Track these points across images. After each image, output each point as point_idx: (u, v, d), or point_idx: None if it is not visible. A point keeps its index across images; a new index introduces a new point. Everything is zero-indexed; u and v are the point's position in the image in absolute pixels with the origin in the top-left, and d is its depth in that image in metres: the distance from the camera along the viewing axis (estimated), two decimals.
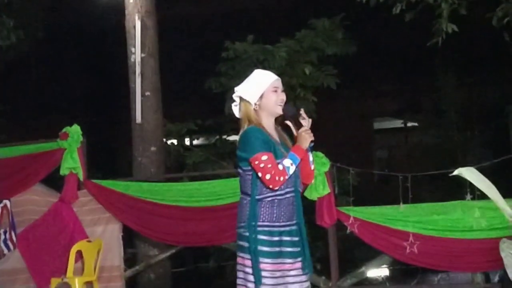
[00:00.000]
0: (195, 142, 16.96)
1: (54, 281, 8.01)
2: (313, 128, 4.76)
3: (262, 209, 4.66)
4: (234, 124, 12.45)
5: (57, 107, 18.56)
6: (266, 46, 11.08)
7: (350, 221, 7.52)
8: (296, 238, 4.75)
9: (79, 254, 8.11)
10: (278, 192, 4.65)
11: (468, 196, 7.16)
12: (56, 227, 8.42)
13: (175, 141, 12.53)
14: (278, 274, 4.66)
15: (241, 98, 4.86)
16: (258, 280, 4.59)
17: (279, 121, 4.86)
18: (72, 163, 8.29)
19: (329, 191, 7.48)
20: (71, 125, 8.40)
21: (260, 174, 4.59)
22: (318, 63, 11.32)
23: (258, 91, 4.77)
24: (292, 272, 4.71)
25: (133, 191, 8.37)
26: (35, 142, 8.80)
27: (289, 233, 4.72)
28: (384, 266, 10.66)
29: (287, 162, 4.62)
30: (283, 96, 4.81)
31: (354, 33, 11.75)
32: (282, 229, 4.69)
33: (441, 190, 12.28)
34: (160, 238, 8.62)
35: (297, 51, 11.20)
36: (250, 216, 4.65)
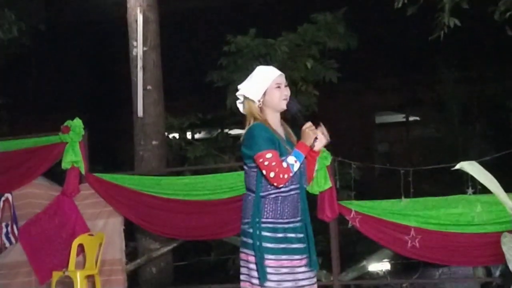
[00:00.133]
0: (196, 136, 16.96)
1: (56, 275, 8.02)
2: (314, 123, 4.76)
3: (266, 205, 4.66)
4: (235, 118, 12.49)
5: (59, 100, 18.57)
6: (267, 40, 11.07)
7: (352, 215, 7.52)
8: (301, 235, 4.75)
9: (81, 248, 8.12)
10: (282, 189, 4.66)
11: (470, 190, 7.16)
12: (57, 221, 8.43)
13: (176, 135, 12.53)
14: (284, 270, 4.65)
15: (244, 97, 4.84)
16: (263, 277, 4.60)
17: (284, 116, 4.87)
18: (74, 157, 8.30)
19: (330, 185, 7.48)
20: (72, 118, 8.40)
21: (264, 172, 4.60)
22: (320, 57, 11.31)
23: (261, 89, 4.77)
24: (301, 269, 4.72)
25: (134, 185, 8.38)
26: (37, 135, 8.81)
27: (293, 230, 4.72)
28: (386, 260, 10.65)
29: (291, 159, 4.62)
30: (286, 92, 4.81)
31: (356, 27, 11.74)
32: (286, 226, 4.69)
33: (442, 184, 12.26)
34: (161, 231, 8.63)
35: (299, 45, 11.20)
36: (254, 212, 4.66)
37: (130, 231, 9.07)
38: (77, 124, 8.36)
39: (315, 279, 4.82)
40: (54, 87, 19.10)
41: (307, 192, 4.96)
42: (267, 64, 10.50)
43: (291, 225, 4.71)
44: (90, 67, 18.77)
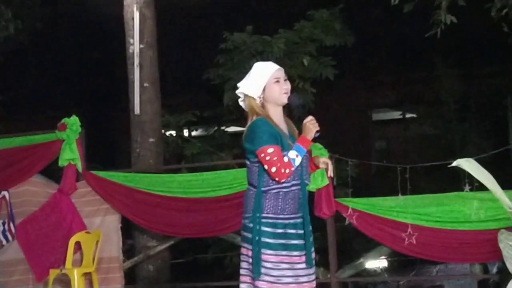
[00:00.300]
0: (193, 133, 16.94)
1: (53, 272, 8.02)
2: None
3: (267, 201, 4.68)
4: (232, 115, 12.50)
5: (56, 98, 18.54)
6: (264, 37, 11.06)
7: (349, 213, 7.53)
8: (301, 231, 4.77)
9: (78, 245, 8.13)
10: (284, 185, 4.67)
11: (467, 188, 7.16)
12: (54, 218, 8.43)
13: (173, 132, 12.52)
14: (284, 266, 4.66)
15: (245, 94, 4.85)
16: (257, 271, 4.61)
17: (286, 112, 4.88)
18: (71, 154, 8.30)
19: (327, 182, 7.49)
20: (69, 116, 8.40)
21: (266, 167, 4.61)
22: (317, 54, 11.30)
23: (260, 85, 4.78)
24: (301, 265, 4.73)
25: (131, 182, 8.38)
26: (34, 133, 8.81)
27: (293, 226, 4.73)
28: (383, 257, 10.66)
29: (292, 154, 4.63)
30: (286, 85, 4.82)
31: (353, 24, 11.73)
32: (286, 221, 4.70)
33: (439, 181, 12.28)
34: (158, 229, 8.63)
35: (296, 42, 11.19)
36: (255, 207, 4.67)
37: (127, 229, 9.06)
38: (74, 121, 8.36)
39: (314, 276, 4.84)
40: (51, 84, 19.06)
41: None
42: (263, 61, 10.52)
43: (291, 221, 4.72)
44: (87, 64, 18.74)
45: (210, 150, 12.08)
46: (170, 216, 8.24)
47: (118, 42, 11.05)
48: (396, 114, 18.98)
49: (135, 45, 9.82)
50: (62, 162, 8.34)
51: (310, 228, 4.86)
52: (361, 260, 8.58)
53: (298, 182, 4.73)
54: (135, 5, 9.85)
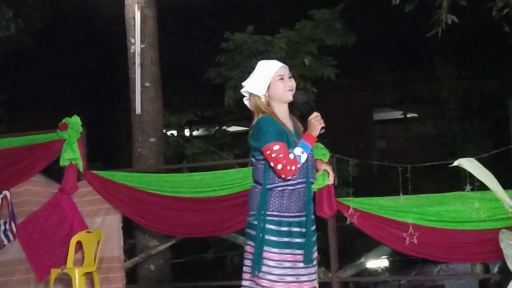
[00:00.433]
0: (194, 133, 16.95)
1: (54, 272, 8.02)
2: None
3: (272, 198, 4.68)
4: (233, 115, 12.50)
5: (57, 98, 18.56)
6: (266, 36, 11.05)
7: (350, 212, 7.52)
8: (305, 229, 4.76)
9: (79, 245, 8.12)
10: (289, 182, 4.68)
11: (468, 187, 7.16)
12: (56, 218, 8.43)
13: (174, 132, 12.53)
14: (287, 264, 4.67)
15: (250, 93, 4.85)
16: (257, 268, 4.61)
17: (294, 109, 4.89)
18: (72, 154, 8.30)
19: (328, 182, 7.47)
20: (70, 116, 8.40)
21: (272, 164, 4.62)
22: (318, 53, 11.30)
23: (264, 83, 4.79)
24: (302, 264, 4.73)
25: (132, 182, 8.38)
26: (35, 132, 8.80)
27: (298, 224, 4.73)
28: (384, 257, 10.66)
29: (298, 150, 4.64)
30: (291, 83, 4.83)
31: (354, 24, 11.73)
32: (291, 219, 4.70)
33: (440, 181, 12.29)
34: (159, 229, 8.62)
35: (297, 42, 11.18)
36: (260, 205, 4.68)
37: (128, 229, 9.06)
38: (75, 121, 8.35)
39: (315, 276, 4.83)
40: (52, 84, 19.08)
41: None
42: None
43: (296, 219, 4.73)
44: (88, 64, 18.75)
45: (211, 149, 12.09)
46: (171, 216, 8.24)
47: (119, 42, 11.05)
48: (397, 114, 19.01)
49: (136, 45, 9.82)
50: (63, 162, 8.34)
51: (314, 227, 4.87)
52: (362, 259, 8.58)
53: (304, 180, 4.73)
54: (136, 5, 9.85)
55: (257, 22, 11.62)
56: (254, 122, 4.80)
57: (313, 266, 4.81)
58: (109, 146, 16.74)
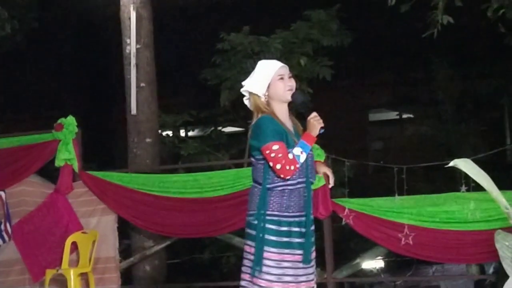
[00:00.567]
0: (190, 133, 16.94)
1: (49, 272, 8.01)
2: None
3: (272, 198, 4.67)
4: (229, 116, 12.50)
5: (52, 98, 18.54)
6: (261, 37, 11.05)
7: (345, 213, 7.52)
8: (305, 229, 4.76)
9: (74, 246, 8.11)
10: (289, 182, 4.67)
11: (463, 188, 7.16)
12: (51, 219, 8.42)
13: (170, 133, 12.53)
14: (286, 264, 4.66)
15: (250, 92, 4.85)
16: (258, 268, 4.60)
17: (292, 109, 4.89)
18: (67, 155, 8.29)
19: (324, 182, 7.47)
20: (66, 116, 8.39)
21: (271, 164, 4.61)
22: (314, 54, 11.30)
23: (264, 82, 4.79)
24: (301, 264, 4.73)
25: (128, 183, 8.37)
26: (30, 133, 8.79)
27: (298, 224, 4.73)
28: (379, 257, 10.68)
29: (297, 150, 4.63)
30: (291, 82, 4.82)
31: (350, 25, 11.73)
32: (291, 219, 4.69)
33: (436, 181, 12.30)
34: (155, 229, 8.62)
35: (293, 43, 11.18)
36: (259, 204, 4.67)
37: (124, 229, 9.06)
38: (70, 121, 8.34)
39: (313, 276, 4.83)
40: (48, 85, 19.06)
41: None
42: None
43: (296, 219, 4.72)
44: (84, 65, 18.73)
45: (206, 150, 12.08)
46: (167, 216, 8.23)
47: (114, 42, 11.05)
48: (393, 115, 19.00)
49: (131, 45, 9.81)
50: (58, 162, 8.33)
51: (313, 227, 4.86)
52: (358, 260, 8.58)
53: (304, 180, 4.73)
54: (131, 5, 9.85)
55: (252, 22, 11.61)
56: (253, 121, 4.79)
57: (311, 266, 4.81)
58: (105, 147, 16.74)
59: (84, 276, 8.11)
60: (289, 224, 4.69)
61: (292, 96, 4.79)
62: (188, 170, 9.55)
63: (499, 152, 7.98)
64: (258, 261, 4.61)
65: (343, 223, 7.63)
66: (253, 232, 4.69)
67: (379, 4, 9.39)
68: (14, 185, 8.58)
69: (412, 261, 10.55)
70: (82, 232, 8.21)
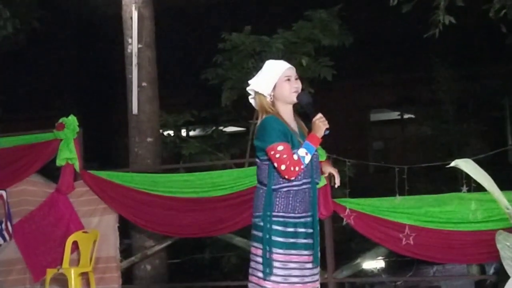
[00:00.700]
0: (191, 133, 16.94)
1: (50, 272, 8.01)
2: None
3: (277, 199, 4.67)
4: (230, 115, 12.50)
5: (54, 97, 18.55)
6: (262, 37, 11.05)
7: (346, 213, 7.51)
8: (311, 230, 4.77)
9: (75, 245, 8.11)
10: (294, 183, 4.66)
11: (464, 188, 7.16)
12: (52, 218, 8.42)
13: (171, 132, 12.52)
14: (292, 265, 4.66)
15: (255, 92, 4.84)
16: (269, 271, 4.60)
17: (297, 110, 4.88)
18: (69, 154, 8.28)
19: (325, 182, 7.47)
20: (67, 115, 8.39)
21: (275, 164, 4.61)
22: (315, 54, 11.30)
23: (271, 82, 4.78)
24: (309, 265, 4.73)
25: (129, 182, 8.37)
26: (31, 132, 8.79)
27: (304, 225, 4.73)
28: (380, 258, 10.67)
29: (302, 151, 4.62)
30: (297, 84, 4.82)
31: (351, 24, 11.73)
32: (297, 220, 4.70)
33: (437, 182, 12.29)
34: (156, 229, 8.61)
35: (294, 43, 11.18)
36: (265, 206, 4.67)
37: (125, 229, 9.06)
38: (71, 121, 8.34)
39: (317, 276, 4.84)
40: (49, 84, 19.08)
41: None
42: (261, 61, 10.50)
43: (302, 219, 4.72)
44: (85, 64, 18.74)
45: (208, 150, 12.08)
46: (168, 216, 8.23)
47: (116, 42, 11.05)
48: (394, 115, 19.01)
49: (133, 45, 9.81)
50: (59, 162, 8.33)
51: (318, 227, 4.87)
52: (359, 260, 8.57)
53: (309, 180, 4.73)
54: (133, 5, 9.85)
55: (254, 22, 11.62)
56: (258, 122, 4.79)
57: (316, 266, 4.81)
58: (106, 146, 16.75)
59: (84, 276, 8.11)
60: (295, 225, 4.69)
61: (298, 97, 4.79)
62: (189, 170, 9.55)
63: (500, 152, 7.97)
64: (268, 264, 4.61)
65: (344, 223, 7.63)
66: (260, 234, 4.68)
67: (381, 4, 9.39)
68: (15, 185, 8.58)
69: (413, 261, 10.54)
70: (83, 232, 8.21)
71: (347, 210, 7.50)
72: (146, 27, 9.96)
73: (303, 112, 4.91)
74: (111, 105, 17.80)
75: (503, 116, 16.69)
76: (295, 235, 4.68)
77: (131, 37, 9.85)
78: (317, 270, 4.83)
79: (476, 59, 15.33)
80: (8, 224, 8.47)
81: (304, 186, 4.70)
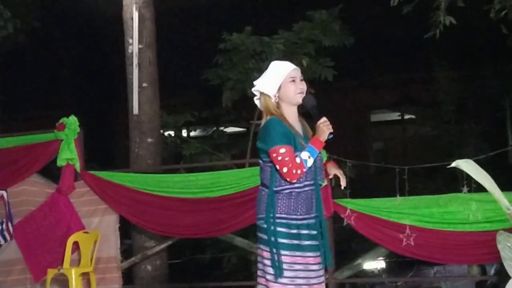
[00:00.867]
0: (192, 133, 16.96)
1: (51, 272, 8.02)
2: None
3: (279, 201, 4.67)
4: (231, 116, 12.50)
5: (54, 98, 18.55)
6: (263, 37, 11.05)
7: (347, 213, 7.52)
8: (315, 232, 4.76)
9: (76, 245, 8.12)
10: (296, 185, 4.66)
11: (465, 189, 7.16)
12: (53, 218, 8.42)
13: (172, 133, 12.53)
14: (298, 267, 4.66)
15: (260, 92, 4.84)
16: (279, 273, 4.60)
17: (301, 111, 4.88)
18: (69, 154, 8.29)
19: (326, 183, 7.48)
20: (68, 116, 8.39)
21: (277, 167, 4.61)
22: (316, 55, 11.30)
23: (276, 83, 4.78)
24: (314, 267, 4.74)
25: (129, 183, 8.37)
26: (32, 132, 8.80)
27: (307, 227, 4.73)
28: (380, 258, 10.68)
29: (304, 155, 4.61)
30: (302, 85, 4.82)
31: (352, 25, 11.73)
32: (299, 222, 4.69)
33: (437, 182, 12.29)
34: (156, 229, 8.61)
35: (295, 43, 11.18)
36: (268, 208, 4.67)
37: (125, 229, 9.06)
38: (72, 121, 8.35)
39: (323, 278, 4.85)
40: (50, 84, 19.07)
41: None
42: (262, 61, 10.52)
43: (304, 221, 4.72)
44: (86, 64, 18.74)
45: (208, 150, 12.09)
46: (168, 216, 8.23)
47: (117, 42, 11.05)
48: (394, 115, 19.01)
49: (134, 45, 9.81)
50: (60, 162, 8.33)
51: (327, 229, 4.87)
52: (359, 261, 8.57)
53: (312, 182, 4.72)
54: (134, 5, 9.85)
55: (255, 23, 11.62)
56: (262, 123, 4.79)
57: (321, 268, 4.81)
58: (107, 147, 16.74)
59: (85, 276, 8.12)
60: (298, 226, 4.69)
61: (303, 99, 4.78)
62: (190, 170, 9.55)
63: (501, 153, 7.97)
64: (277, 266, 4.61)
65: (345, 223, 7.63)
66: (265, 236, 4.69)
67: (381, 4, 9.39)
68: (15, 185, 8.59)
69: (414, 262, 10.55)
70: (84, 232, 8.22)
71: (348, 211, 7.51)
72: (146, 27, 9.96)
73: (305, 112, 4.91)
74: (112, 105, 17.81)
75: (504, 116, 16.68)
76: (298, 236, 4.68)
77: (132, 38, 9.85)
78: (322, 271, 4.83)
79: (476, 59, 15.32)
80: (9, 224, 8.48)
81: (306, 188, 4.70)
